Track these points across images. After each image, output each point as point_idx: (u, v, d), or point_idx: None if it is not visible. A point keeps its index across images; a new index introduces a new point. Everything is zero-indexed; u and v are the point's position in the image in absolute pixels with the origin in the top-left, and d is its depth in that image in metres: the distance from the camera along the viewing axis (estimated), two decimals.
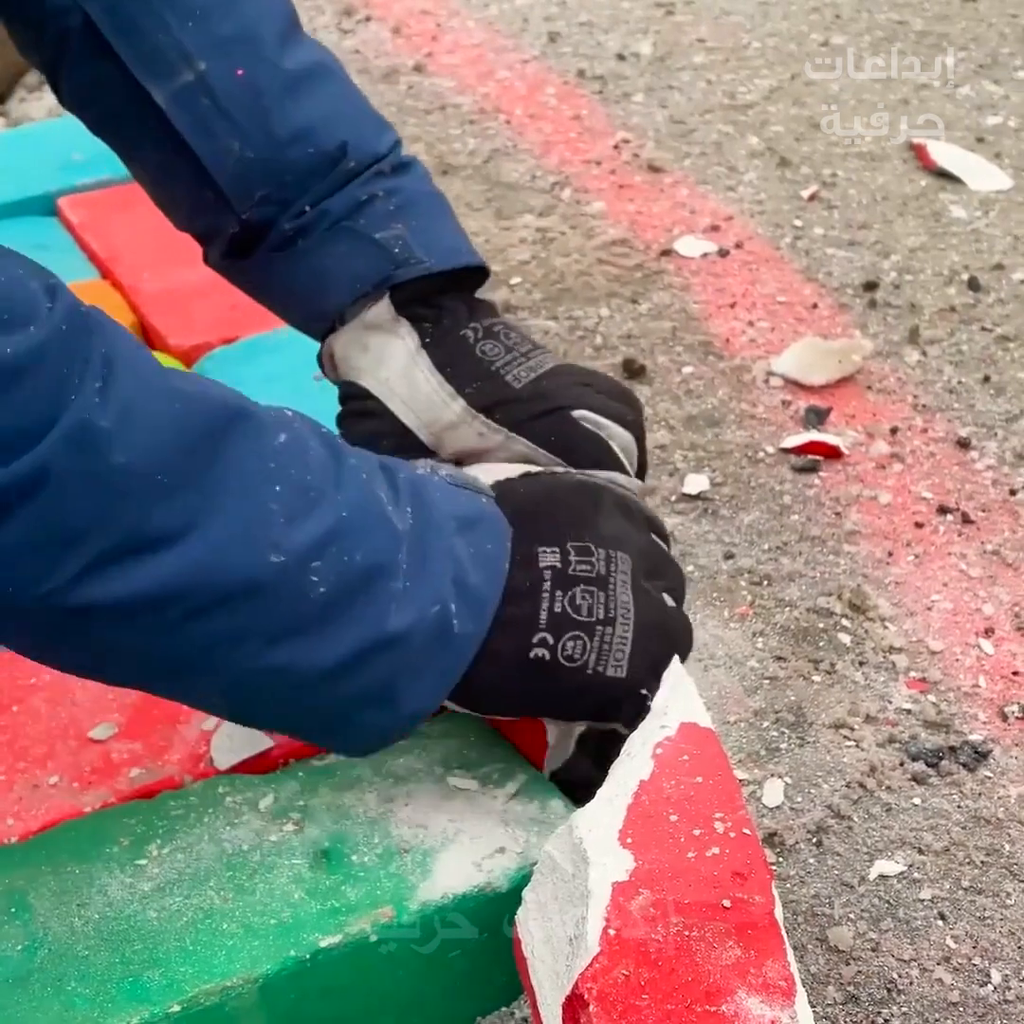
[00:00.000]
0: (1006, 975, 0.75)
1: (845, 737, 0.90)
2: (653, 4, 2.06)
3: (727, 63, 1.89)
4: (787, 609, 1.01)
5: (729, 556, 1.05)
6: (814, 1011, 0.71)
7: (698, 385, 1.25)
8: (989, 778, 0.87)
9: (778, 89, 1.82)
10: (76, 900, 0.67)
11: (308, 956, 0.65)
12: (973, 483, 1.13)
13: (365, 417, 0.82)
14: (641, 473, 0.83)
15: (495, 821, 0.71)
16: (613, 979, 0.58)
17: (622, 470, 0.80)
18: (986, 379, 1.25)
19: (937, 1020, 0.73)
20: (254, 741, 0.77)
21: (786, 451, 1.17)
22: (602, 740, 0.72)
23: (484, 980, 0.71)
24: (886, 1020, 0.73)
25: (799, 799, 0.86)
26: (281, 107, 0.79)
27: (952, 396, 1.24)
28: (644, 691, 0.69)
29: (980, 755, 0.88)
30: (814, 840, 0.83)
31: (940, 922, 0.78)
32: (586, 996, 0.58)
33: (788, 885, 0.80)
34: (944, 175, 1.60)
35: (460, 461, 0.80)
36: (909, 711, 0.92)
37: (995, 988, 0.74)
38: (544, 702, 0.70)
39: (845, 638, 0.98)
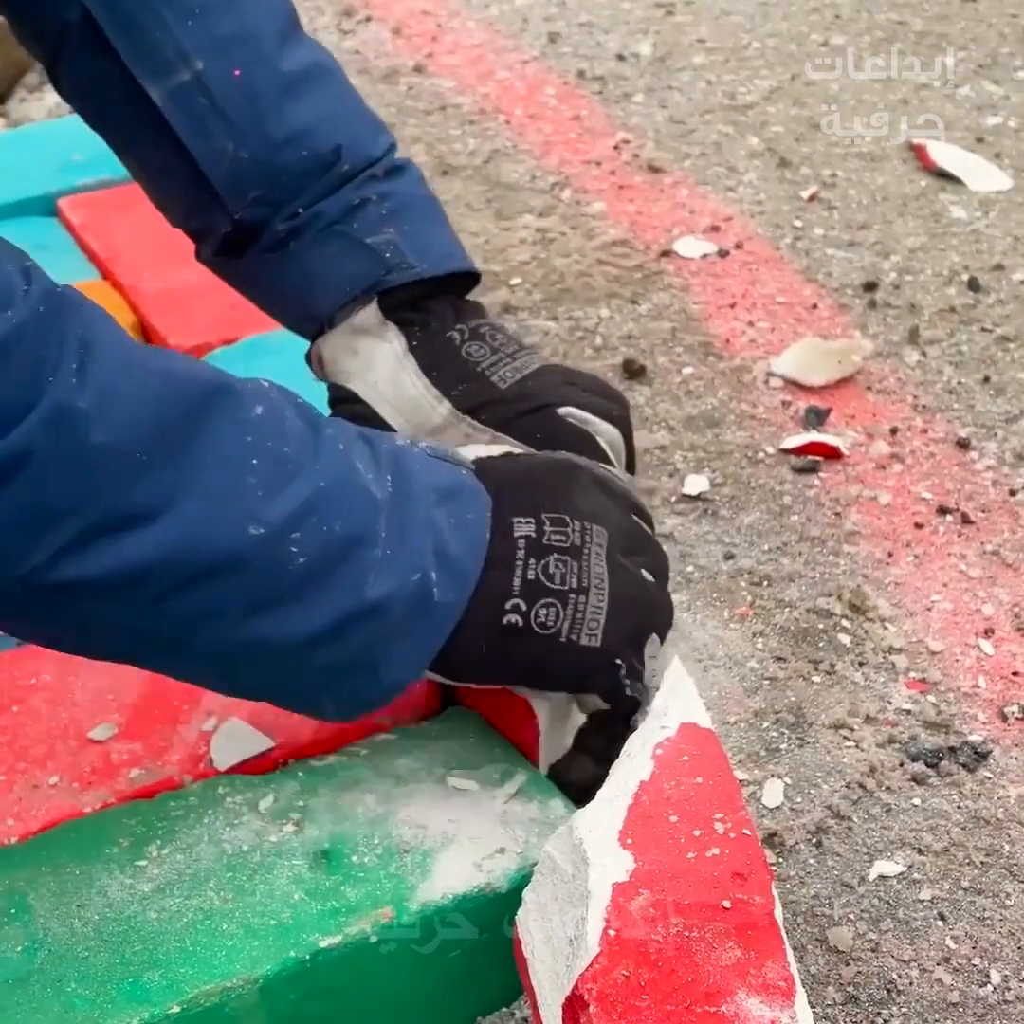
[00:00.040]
0: (1006, 976, 0.75)
1: (845, 738, 0.90)
2: (653, 4, 2.06)
3: (727, 63, 1.89)
4: (787, 609, 1.01)
5: (729, 556, 1.05)
6: (814, 1011, 0.71)
7: (698, 386, 1.25)
8: (989, 778, 0.87)
9: (778, 89, 1.82)
10: (76, 901, 0.67)
11: (308, 957, 0.65)
12: (973, 483, 1.13)
13: (354, 420, 0.82)
14: (630, 469, 0.83)
15: (495, 821, 0.71)
16: (613, 980, 0.58)
17: (607, 461, 0.80)
18: (986, 379, 1.25)
19: (937, 1021, 0.73)
20: (254, 741, 0.77)
21: (786, 452, 1.17)
22: (602, 737, 0.72)
23: (484, 980, 0.71)
24: (886, 1020, 0.73)
25: (799, 799, 0.86)
26: (277, 109, 0.79)
27: (952, 396, 1.24)
28: (619, 661, 0.69)
29: (980, 756, 0.88)
30: (814, 841, 0.83)
31: (940, 923, 0.78)
32: (586, 997, 0.58)
33: (788, 886, 0.80)
34: (944, 175, 1.60)
35: None
36: (909, 711, 0.92)
37: (995, 988, 0.74)
38: (519, 670, 0.70)
39: (845, 639, 0.98)
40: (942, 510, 1.10)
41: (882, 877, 0.81)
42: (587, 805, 0.66)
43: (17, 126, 1.74)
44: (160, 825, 0.71)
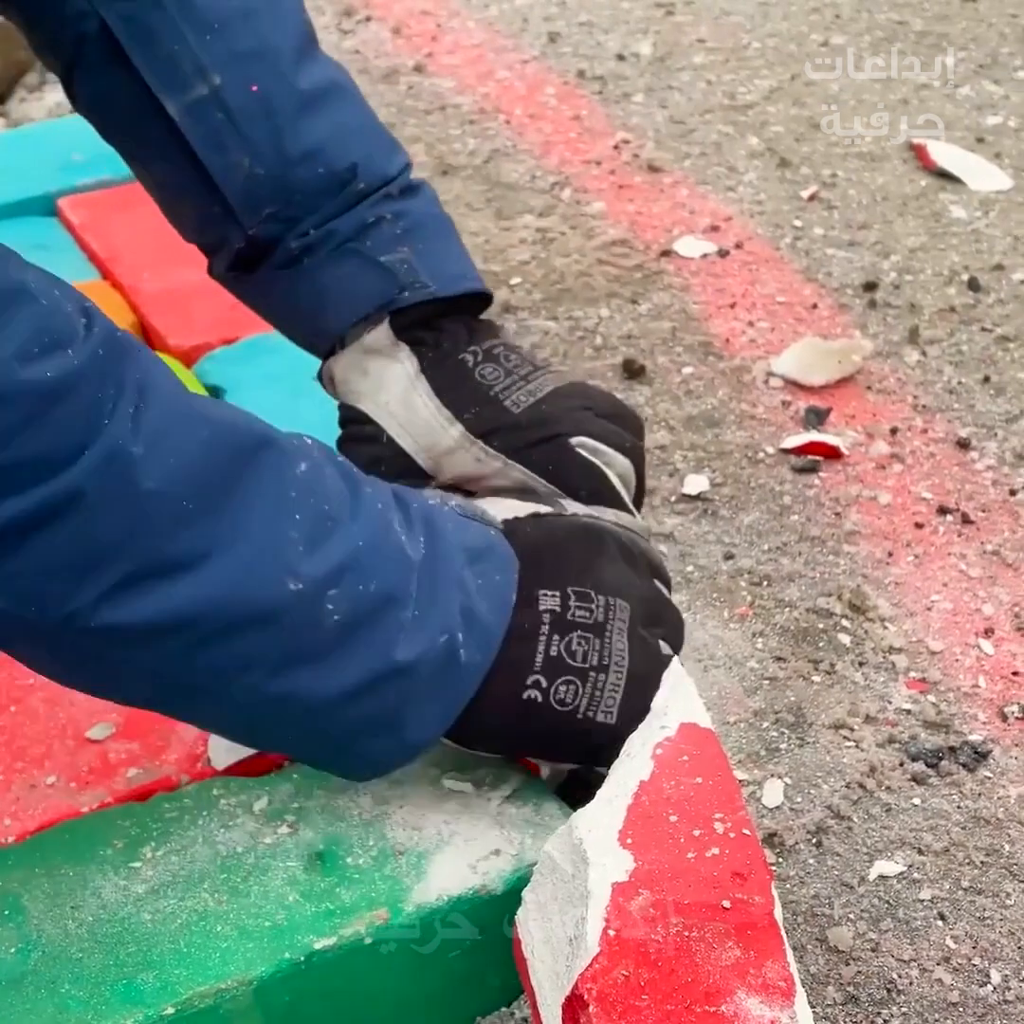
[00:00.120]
0: (1006, 975, 0.75)
1: (845, 737, 0.89)
2: (653, 4, 2.06)
3: (727, 63, 1.89)
4: (787, 609, 1.00)
5: (729, 556, 1.05)
6: (814, 1011, 0.70)
7: (698, 385, 1.25)
8: (989, 778, 0.87)
9: (778, 89, 1.82)
10: (70, 902, 0.67)
11: (302, 958, 0.65)
12: (973, 483, 1.13)
13: (365, 442, 0.82)
14: (639, 498, 0.82)
15: (490, 823, 0.71)
16: (613, 979, 0.58)
17: (618, 499, 0.79)
18: (986, 379, 1.25)
19: (937, 1020, 0.72)
20: None
21: (786, 451, 1.16)
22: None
23: (483, 980, 0.71)
24: (886, 1020, 0.72)
25: (799, 799, 0.85)
26: (293, 126, 0.78)
27: (952, 396, 1.23)
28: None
29: (980, 755, 0.88)
30: (814, 840, 0.83)
31: (940, 922, 0.78)
32: (586, 996, 0.58)
33: (788, 885, 0.80)
34: (944, 175, 1.60)
35: (458, 486, 0.80)
36: (909, 711, 0.91)
37: (995, 988, 0.74)
38: (533, 743, 0.71)
39: (845, 638, 0.98)
40: (942, 510, 1.10)
41: (882, 877, 0.80)
42: (587, 805, 0.66)
43: (17, 126, 1.74)
44: (155, 827, 0.71)
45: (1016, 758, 0.88)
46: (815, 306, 1.37)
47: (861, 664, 0.95)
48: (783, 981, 0.59)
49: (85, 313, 0.57)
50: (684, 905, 0.61)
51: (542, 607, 0.69)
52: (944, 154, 1.62)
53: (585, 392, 0.83)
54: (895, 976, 0.75)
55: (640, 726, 0.69)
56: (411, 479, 0.78)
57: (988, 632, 0.98)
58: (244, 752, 0.76)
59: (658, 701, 0.70)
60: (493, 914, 0.68)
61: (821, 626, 0.99)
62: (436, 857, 0.69)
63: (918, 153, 1.64)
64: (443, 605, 0.65)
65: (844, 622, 0.99)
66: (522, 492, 0.79)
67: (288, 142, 0.78)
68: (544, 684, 0.68)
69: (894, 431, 1.18)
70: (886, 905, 0.79)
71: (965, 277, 1.40)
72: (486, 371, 0.81)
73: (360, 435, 0.82)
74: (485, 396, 0.80)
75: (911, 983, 0.74)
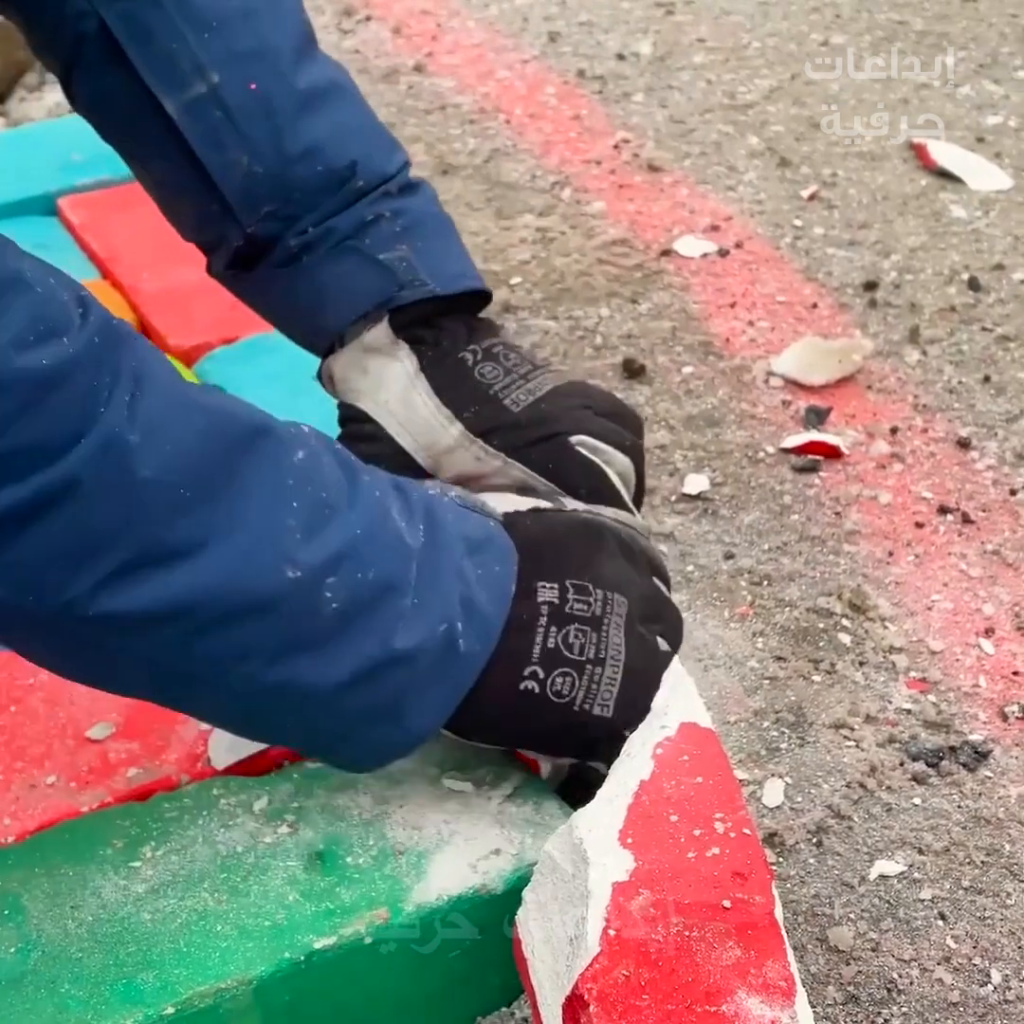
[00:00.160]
0: (1006, 975, 0.75)
1: (845, 737, 0.89)
2: (653, 4, 2.06)
3: (727, 63, 1.89)
4: (787, 609, 1.00)
5: (729, 556, 1.05)
6: (814, 1011, 0.70)
7: (698, 385, 1.25)
8: (989, 778, 0.87)
9: (778, 89, 1.81)
10: (70, 902, 0.67)
11: (302, 958, 0.65)
12: (973, 483, 1.13)
13: (364, 440, 0.82)
14: (639, 495, 0.82)
15: (490, 823, 0.71)
16: (613, 979, 0.58)
17: (618, 497, 0.79)
18: (986, 379, 1.25)
19: (937, 1020, 0.72)
20: (251, 741, 0.77)
21: (786, 451, 1.16)
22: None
23: (484, 980, 0.71)
24: (886, 1020, 0.72)
25: (799, 799, 0.85)
26: (292, 124, 0.78)
27: (952, 396, 1.23)
28: (627, 732, 0.70)
29: (980, 755, 0.88)
30: (814, 840, 0.83)
31: (940, 922, 0.78)
32: (586, 996, 0.58)
33: (788, 885, 0.80)
34: (944, 175, 1.60)
35: (459, 484, 0.80)
36: (909, 711, 0.91)
37: (995, 988, 0.74)
38: (530, 735, 0.71)
39: (845, 638, 0.98)
40: (942, 509, 1.10)
41: (882, 877, 0.80)
42: (587, 805, 0.66)
43: (17, 126, 1.74)
44: (155, 826, 0.71)
45: (1016, 758, 0.88)
46: (815, 305, 1.37)
47: (861, 664, 0.95)
48: (783, 981, 0.59)
49: (81, 302, 0.57)
50: (684, 905, 0.61)
51: (540, 599, 0.69)
52: (944, 154, 1.62)
53: (584, 391, 0.83)
54: (895, 976, 0.75)
55: (640, 726, 0.69)
56: (411, 477, 0.78)
57: (988, 632, 0.98)
58: (244, 752, 0.76)
59: (658, 701, 0.70)
60: (493, 914, 0.68)
61: (821, 626, 0.99)
62: (436, 857, 0.69)
63: (918, 153, 1.64)
64: (443, 594, 0.65)
65: (844, 622, 0.99)
66: (522, 491, 0.79)
67: (287, 140, 0.78)
68: (541, 675, 0.68)
69: (894, 431, 1.18)
70: (886, 905, 0.79)
71: (965, 277, 1.40)
72: (485, 370, 0.81)
73: (359, 434, 0.82)
74: (484, 395, 0.80)
75: (911, 983, 0.74)
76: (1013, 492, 1.12)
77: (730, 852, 0.63)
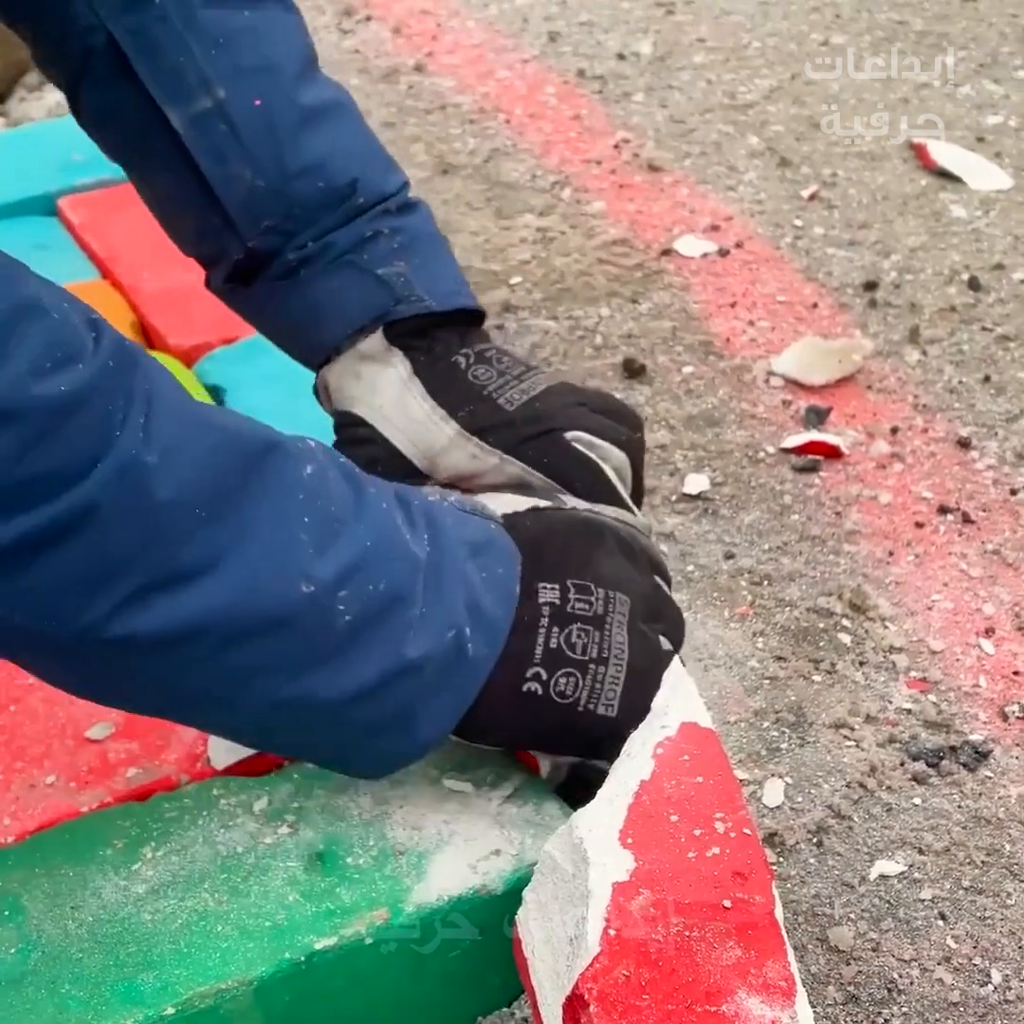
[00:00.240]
0: (1007, 975, 0.75)
1: (845, 737, 0.89)
2: (653, 4, 2.06)
3: (727, 63, 1.89)
4: (787, 609, 1.00)
5: (729, 556, 1.05)
6: (814, 1011, 0.70)
7: (698, 385, 1.25)
8: (990, 778, 0.87)
9: (778, 89, 1.81)
10: (70, 903, 0.67)
11: (303, 958, 0.65)
12: (973, 483, 1.13)
13: (360, 444, 0.82)
14: (638, 491, 0.82)
15: (490, 823, 0.71)
16: (613, 979, 0.58)
17: (615, 493, 0.79)
18: (986, 379, 1.25)
19: (938, 1020, 0.72)
20: None
21: (786, 451, 1.16)
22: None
23: (484, 980, 0.71)
24: (886, 1020, 0.72)
25: (799, 799, 0.85)
26: (295, 140, 0.79)
27: (952, 396, 1.23)
28: (631, 732, 0.70)
29: (981, 755, 0.88)
30: (814, 840, 0.83)
31: (941, 922, 0.78)
32: (586, 996, 0.58)
33: (788, 885, 0.80)
34: (944, 175, 1.60)
35: (455, 485, 0.80)
36: (909, 711, 0.91)
37: (995, 988, 0.74)
38: (534, 736, 0.71)
39: (845, 638, 0.98)
40: (943, 509, 1.10)
41: (883, 877, 0.80)
42: (587, 804, 0.66)
43: (17, 126, 1.74)
44: (155, 827, 0.71)
45: (1017, 758, 0.88)
46: (815, 305, 1.37)
47: (862, 664, 0.95)
48: (784, 981, 0.58)
49: (93, 325, 0.57)
50: (685, 905, 0.60)
51: (542, 599, 0.69)
52: (944, 153, 1.62)
53: (579, 389, 0.83)
54: (896, 976, 0.75)
55: (641, 726, 0.69)
56: (407, 480, 0.78)
57: (989, 632, 0.98)
58: (244, 752, 0.76)
59: (659, 700, 0.70)
60: (493, 914, 0.68)
61: (822, 626, 0.99)
62: (436, 857, 0.69)
63: (918, 152, 1.64)
64: (449, 601, 0.65)
65: (845, 622, 0.99)
66: (519, 488, 0.79)
67: (289, 156, 0.79)
68: (544, 676, 0.68)
69: (894, 430, 1.18)
70: (887, 905, 0.79)
71: (965, 276, 1.40)
72: (479, 372, 0.81)
73: (355, 438, 0.82)
74: (478, 394, 0.80)
75: (912, 983, 0.74)
76: (1013, 492, 1.12)
77: (730, 852, 0.63)
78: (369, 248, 0.81)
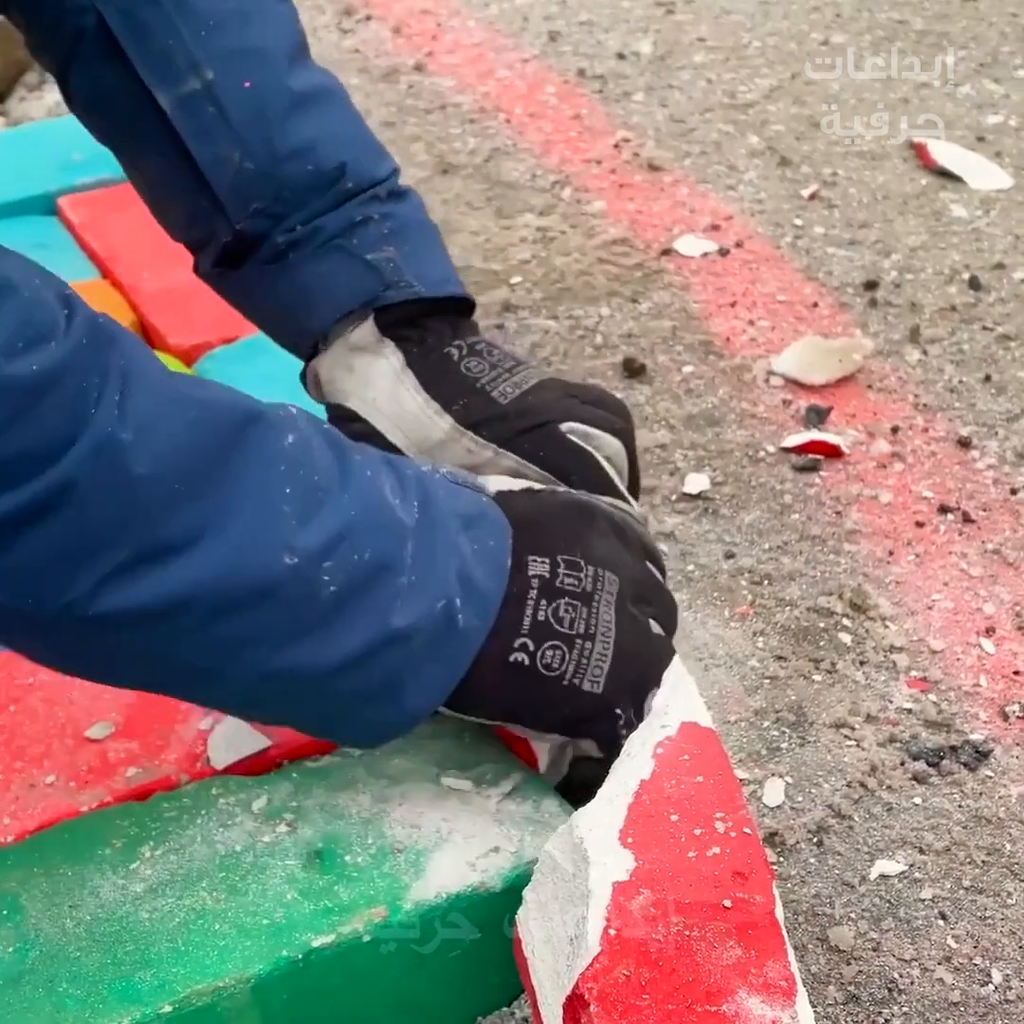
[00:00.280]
0: (1007, 975, 0.74)
1: (846, 736, 0.89)
2: (653, 3, 2.06)
3: (727, 62, 1.89)
4: (788, 608, 1.00)
5: (730, 555, 1.05)
6: (815, 1011, 0.70)
7: (698, 384, 1.25)
8: (990, 778, 0.87)
9: (778, 88, 1.81)
10: (68, 901, 0.67)
11: (301, 956, 0.64)
12: (974, 482, 1.13)
13: (353, 439, 0.82)
14: (634, 483, 0.82)
15: (489, 821, 0.71)
16: (614, 979, 0.58)
17: (611, 483, 0.79)
18: (987, 378, 1.25)
19: (938, 1020, 0.72)
20: (251, 741, 0.77)
21: (787, 450, 1.16)
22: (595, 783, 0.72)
23: (484, 980, 0.71)
24: (887, 1020, 0.72)
25: (800, 799, 0.85)
26: (284, 123, 0.79)
27: (953, 395, 1.23)
28: (618, 711, 0.70)
29: (981, 754, 0.88)
30: (815, 840, 0.82)
31: (941, 922, 0.78)
32: (587, 996, 0.58)
33: (789, 885, 0.80)
34: (945, 174, 1.60)
35: None
36: (910, 710, 0.91)
37: (996, 988, 0.74)
38: (520, 708, 0.70)
39: (846, 637, 0.97)
40: (943, 509, 1.10)
41: (883, 876, 0.80)
42: (588, 804, 0.65)
43: (17, 125, 1.74)
44: (153, 826, 0.71)
45: (1017, 757, 0.88)
46: (816, 305, 1.36)
47: (862, 663, 0.95)
48: (784, 980, 0.58)
49: (65, 301, 0.57)
50: (685, 904, 0.60)
51: (531, 572, 0.69)
52: (945, 153, 1.62)
53: (569, 384, 0.84)
54: (896, 976, 0.74)
55: (641, 725, 0.69)
56: None
57: (989, 631, 0.98)
58: (244, 751, 0.76)
59: (659, 700, 0.70)
60: (492, 912, 0.68)
61: (822, 625, 0.99)
62: (435, 855, 0.69)
63: (918, 152, 1.64)
64: (439, 571, 0.65)
65: (845, 621, 0.99)
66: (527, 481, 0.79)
67: (278, 138, 0.79)
68: (531, 648, 0.68)
69: (895, 430, 1.18)
70: (887, 904, 0.79)
71: (966, 276, 1.40)
72: (471, 364, 0.82)
73: (349, 433, 0.82)
74: (472, 388, 0.81)
75: (912, 983, 0.74)
76: (1014, 491, 1.11)
77: (731, 851, 0.63)
78: (358, 233, 0.81)
